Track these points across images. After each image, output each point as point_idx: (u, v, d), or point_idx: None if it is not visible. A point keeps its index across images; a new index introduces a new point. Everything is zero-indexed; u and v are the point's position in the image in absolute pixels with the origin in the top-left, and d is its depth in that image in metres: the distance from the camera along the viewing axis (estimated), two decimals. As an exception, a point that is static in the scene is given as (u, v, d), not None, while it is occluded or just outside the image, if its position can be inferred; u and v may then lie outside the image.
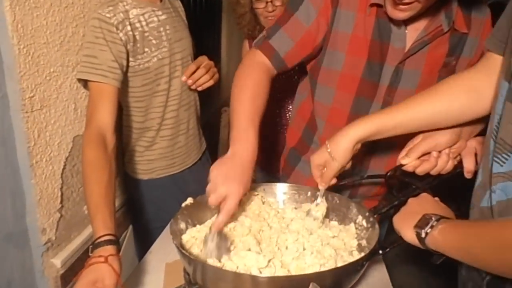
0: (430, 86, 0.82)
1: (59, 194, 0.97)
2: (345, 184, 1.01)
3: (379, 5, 0.90)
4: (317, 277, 0.68)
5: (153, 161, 1.22)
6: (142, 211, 1.22)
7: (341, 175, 0.90)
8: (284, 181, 1.14)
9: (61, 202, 0.97)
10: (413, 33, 0.92)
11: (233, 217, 0.84)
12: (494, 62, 0.72)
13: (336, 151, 0.81)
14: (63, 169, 0.98)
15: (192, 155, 1.30)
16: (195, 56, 1.23)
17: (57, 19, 0.92)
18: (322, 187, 0.87)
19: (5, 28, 0.77)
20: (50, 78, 0.91)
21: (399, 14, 0.86)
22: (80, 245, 1.03)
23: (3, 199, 0.83)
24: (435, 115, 0.78)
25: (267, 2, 1.45)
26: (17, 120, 0.82)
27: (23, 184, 0.86)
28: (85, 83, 0.99)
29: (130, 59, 1.01)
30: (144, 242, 1.26)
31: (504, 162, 0.60)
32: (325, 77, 1.00)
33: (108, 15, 0.97)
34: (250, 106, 0.86)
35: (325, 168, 0.85)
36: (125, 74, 1.00)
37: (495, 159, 0.61)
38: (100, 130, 0.89)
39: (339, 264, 0.74)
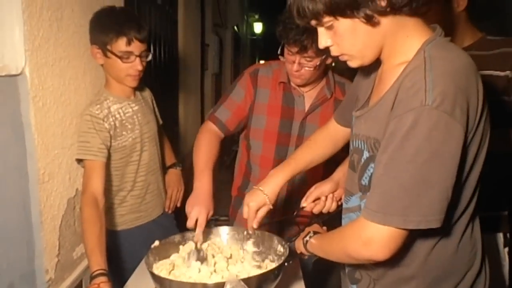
0: None
1: (57, 243, 1.29)
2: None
3: (284, 83, 1.46)
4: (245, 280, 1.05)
5: (124, 215, 1.57)
6: (116, 255, 1.54)
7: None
8: (233, 223, 1.60)
9: (59, 249, 1.29)
10: (309, 100, 1.48)
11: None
12: (336, 129, 1.22)
13: (269, 193, 1.16)
14: (60, 224, 1.31)
15: (156, 209, 1.67)
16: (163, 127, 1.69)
17: (60, 115, 1.30)
18: (255, 227, 1.20)
19: (30, 128, 1.14)
20: (55, 158, 1.27)
21: (297, 80, 1.41)
22: (71, 283, 1.33)
23: (20, 248, 1.15)
24: (317, 158, 1.24)
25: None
26: (33, 191, 1.17)
27: (34, 237, 1.19)
28: (80, 160, 1.36)
29: (112, 140, 1.40)
30: (117, 280, 1.56)
31: (347, 202, 1.04)
32: (254, 134, 1.51)
33: (96, 111, 1.36)
34: (205, 156, 1.35)
35: (258, 210, 1.17)
36: (108, 151, 1.39)
37: (345, 199, 1.04)
38: (93, 195, 1.26)
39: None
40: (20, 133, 1.12)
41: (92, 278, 1.12)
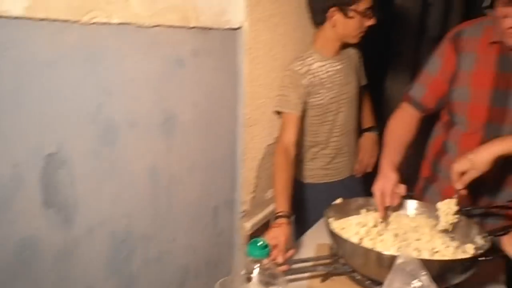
0: None
1: (254, 181, 1.46)
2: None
3: (498, 43, 1.13)
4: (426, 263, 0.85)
5: (313, 170, 1.63)
6: (301, 206, 1.63)
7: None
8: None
9: (254, 187, 1.47)
10: None
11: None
12: None
13: (477, 162, 1.05)
14: (258, 165, 1.47)
15: (345, 171, 1.66)
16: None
17: (268, 68, 1.42)
18: (458, 187, 1.10)
19: (242, 77, 1.30)
20: (260, 106, 1.41)
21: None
22: (261, 218, 1.50)
23: (225, 179, 1.36)
24: None
25: None
26: (240, 132, 1.34)
27: (236, 171, 1.38)
28: (278, 113, 1.47)
29: (308, 97, 1.45)
30: (300, 229, 1.68)
31: None
32: (458, 108, 1.25)
33: (297, 68, 1.43)
34: (395, 141, 1.27)
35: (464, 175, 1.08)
36: (304, 106, 1.44)
37: None
38: (286, 145, 1.35)
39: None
40: (234, 81, 1.29)
41: (276, 218, 1.23)
